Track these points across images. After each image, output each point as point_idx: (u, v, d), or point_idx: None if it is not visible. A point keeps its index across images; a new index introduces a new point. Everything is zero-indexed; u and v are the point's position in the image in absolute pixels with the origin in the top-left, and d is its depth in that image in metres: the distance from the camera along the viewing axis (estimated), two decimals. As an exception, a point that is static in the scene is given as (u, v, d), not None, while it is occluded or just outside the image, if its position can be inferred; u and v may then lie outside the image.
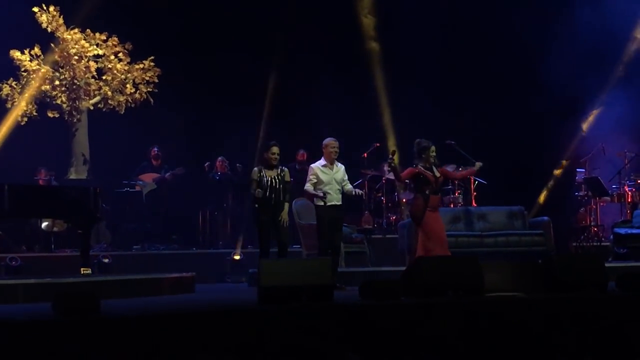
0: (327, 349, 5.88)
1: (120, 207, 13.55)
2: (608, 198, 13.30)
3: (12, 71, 13.74)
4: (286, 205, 9.11)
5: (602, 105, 14.65)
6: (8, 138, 13.27)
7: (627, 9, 14.35)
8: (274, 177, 9.02)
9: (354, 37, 14.98)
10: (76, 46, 13.87)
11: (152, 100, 14.28)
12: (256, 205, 8.93)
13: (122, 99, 14.17)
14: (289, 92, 14.66)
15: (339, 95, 14.31)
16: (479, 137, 13.82)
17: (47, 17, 13.70)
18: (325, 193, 9.11)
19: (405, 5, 14.63)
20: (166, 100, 14.39)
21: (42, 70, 13.74)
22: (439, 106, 14.49)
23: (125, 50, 14.20)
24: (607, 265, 7.88)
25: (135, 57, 14.27)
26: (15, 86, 13.71)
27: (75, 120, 14.10)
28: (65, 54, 13.87)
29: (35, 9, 13.64)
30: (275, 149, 9.08)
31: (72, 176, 14.04)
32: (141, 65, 14.25)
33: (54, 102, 13.96)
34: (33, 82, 13.65)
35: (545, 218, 11.95)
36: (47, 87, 13.87)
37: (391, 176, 13.16)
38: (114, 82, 14.15)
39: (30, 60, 13.74)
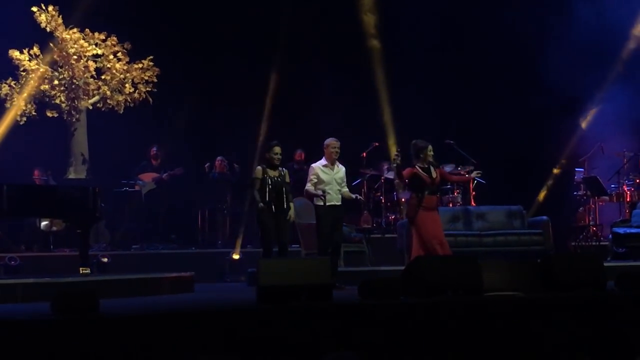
0: (326, 349, 5.87)
1: (120, 207, 13.55)
2: (607, 197, 13.30)
3: (11, 71, 13.74)
4: (291, 205, 9.15)
5: (601, 102, 14.64)
6: (7, 138, 13.25)
7: (626, 7, 14.35)
8: (277, 177, 9.04)
9: (355, 35, 14.96)
10: (75, 46, 13.86)
11: (151, 99, 14.28)
12: (260, 205, 8.92)
13: (121, 98, 14.17)
14: (288, 91, 14.66)
15: (338, 94, 14.33)
16: (478, 136, 13.84)
17: (46, 17, 13.69)
18: (324, 191, 9.13)
19: (404, 4, 14.63)
20: (165, 100, 14.40)
21: (41, 69, 13.74)
22: (438, 105, 14.50)
23: (124, 50, 14.20)
24: (605, 264, 7.89)
25: (134, 56, 14.27)
26: (14, 86, 13.70)
27: (74, 119, 14.10)
28: (64, 53, 13.86)
29: (34, 9, 13.63)
30: (277, 149, 9.10)
31: (71, 176, 14.03)
32: (140, 65, 14.25)
33: (53, 101, 13.95)
34: (31, 81, 13.64)
35: (544, 217, 11.95)
36: (46, 86, 13.86)
37: (390, 176, 13.20)
38: (113, 82, 14.15)
39: (30, 60, 13.74)
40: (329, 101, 14.25)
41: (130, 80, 14.19)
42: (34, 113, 13.80)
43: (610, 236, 12.18)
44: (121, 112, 14.20)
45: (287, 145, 11.70)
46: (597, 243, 12.70)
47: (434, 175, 9.12)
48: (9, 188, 9.41)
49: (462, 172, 12.18)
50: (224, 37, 14.72)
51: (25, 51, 13.74)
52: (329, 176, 9.27)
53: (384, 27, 15.09)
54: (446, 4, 14.86)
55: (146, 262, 11.94)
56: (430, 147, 9.16)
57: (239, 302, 7.67)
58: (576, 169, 13.78)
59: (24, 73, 13.72)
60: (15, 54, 13.67)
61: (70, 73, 13.95)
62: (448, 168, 12.21)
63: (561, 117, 14.69)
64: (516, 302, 6.76)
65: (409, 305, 6.54)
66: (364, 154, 13.58)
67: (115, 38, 14.16)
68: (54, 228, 12.70)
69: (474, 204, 13.07)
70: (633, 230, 11.83)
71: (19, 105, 13.55)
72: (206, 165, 13.85)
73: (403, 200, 13.25)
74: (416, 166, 9.08)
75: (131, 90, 14.18)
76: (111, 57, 14.15)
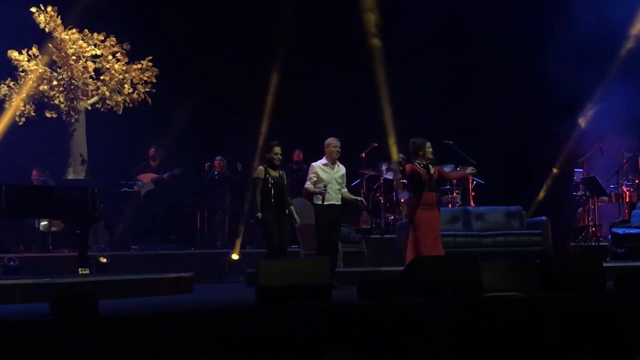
0: (326, 349, 5.87)
1: (119, 208, 13.55)
2: (606, 198, 13.32)
3: (10, 71, 13.73)
4: (292, 208, 9.16)
5: (600, 101, 14.63)
6: (6, 138, 13.25)
7: (625, 6, 14.35)
8: (277, 177, 9.05)
9: (355, 35, 14.98)
10: (74, 46, 13.86)
11: (150, 100, 14.28)
12: (259, 214, 8.92)
13: (120, 99, 14.18)
14: (288, 91, 14.66)
15: (337, 95, 14.33)
16: (477, 137, 13.84)
17: (45, 17, 13.69)
18: (326, 186, 9.13)
19: (404, 4, 14.64)
20: (164, 101, 14.40)
21: (40, 70, 13.73)
22: (437, 106, 14.51)
23: (123, 51, 14.21)
24: (605, 265, 7.88)
25: (133, 57, 14.27)
26: (13, 86, 13.70)
27: (73, 120, 14.10)
28: (63, 54, 13.86)
29: (33, 9, 13.63)
30: (277, 149, 9.10)
31: (70, 176, 14.04)
32: (139, 66, 14.25)
33: (51, 102, 13.95)
34: (29, 81, 13.63)
35: (544, 218, 11.96)
36: (45, 87, 13.86)
37: (389, 176, 13.22)
38: (112, 82, 14.15)
39: (28, 61, 13.73)
40: (328, 101, 14.25)
41: (129, 81, 14.20)
42: (32, 114, 13.80)
43: (610, 236, 12.18)
44: (120, 112, 14.21)
45: (286, 146, 11.72)
46: (596, 243, 12.72)
47: (432, 171, 9.15)
48: (7, 189, 9.41)
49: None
50: (223, 38, 14.71)
51: (24, 52, 13.74)
52: (328, 175, 9.27)
53: (384, 27, 15.10)
54: (446, 4, 14.87)
55: (145, 262, 11.96)
56: (428, 143, 9.19)
57: (238, 303, 7.67)
58: (575, 170, 13.80)
59: (23, 74, 13.72)
60: (14, 54, 13.67)
61: (69, 73, 13.95)
62: (447, 169, 12.22)
63: (560, 117, 14.70)
64: (515, 302, 6.76)
65: (408, 305, 6.53)
66: (363, 154, 13.59)
67: (114, 38, 14.17)
68: (53, 228, 12.71)
69: (473, 205, 13.08)
70: (632, 231, 11.83)
71: (17, 105, 13.54)
72: (206, 165, 13.85)
73: (402, 200, 13.25)
74: (415, 163, 9.12)
75: (130, 91, 14.19)
76: (110, 57, 14.15)
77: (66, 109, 14.02)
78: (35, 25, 13.71)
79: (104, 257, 11.68)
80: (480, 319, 6.45)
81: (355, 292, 6.80)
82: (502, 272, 7.25)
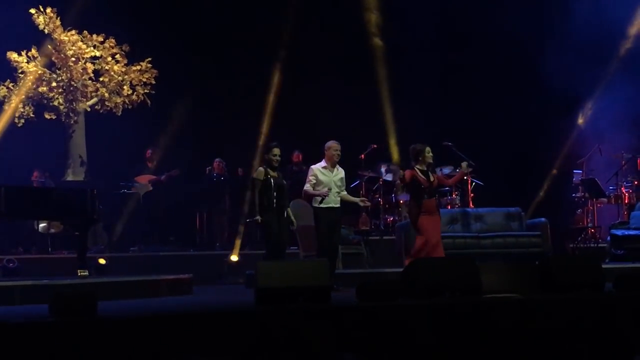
0: (325, 351, 5.88)
1: (118, 209, 13.55)
2: (605, 199, 13.33)
3: (9, 73, 13.73)
4: (289, 210, 9.18)
5: (599, 100, 14.63)
6: (5, 139, 13.25)
7: (624, 5, 14.36)
8: (277, 178, 9.06)
9: (355, 36, 15.00)
10: (73, 48, 13.86)
11: (149, 101, 14.28)
12: (258, 217, 8.93)
13: (119, 100, 14.18)
14: (288, 93, 14.68)
15: (337, 96, 14.33)
16: (476, 138, 13.85)
17: (44, 19, 13.69)
18: (330, 189, 9.13)
19: (402, 4, 14.65)
20: (163, 102, 14.40)
21: (39, 72, 13.73)
22: (436, 107, 14.51)
23: (123, 52, 14.21)
24: (604, 266, 7.89)
25: (132, 58, 14.27)
26: (12, 88, 13.69)
27: (72, 121, 14.10)
28: (62, 55, 13.86)
29: (33, 11, 13.63)
30: (276, 150, 9.10)
31: (69, 178, 14.03)
32: (138, 67, 14.25)
33: (51, 103, 13.95)
34: (28, 82, 13.62)
35: (543, 219, 11.97)
36: (44, 88, 13.86)
37: (388, 177, 13.22)
38: (111, 84, 14.15)
39: (27, 62, 13.73)
40: (328, 103, 14.26)
41: (128, 82, 14.20)
42: (32, 115, 13.80)
43: (609, 238, 12.19)
44: (119, 114, 14.21)
45: (285, 147, 11.74)
46: (595, 245, 12.72)
47: (432, 179, 9.15)
48: (7, 190, 9.41)
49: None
50: (223, 39, 14.72)
51: (23, 53, 13.73)
52: (328, 178, 9.27)
53: (385, 27, 15.12)
54: (444, 5, 14.88)
55: (144, 264, 11.95)
56: (428, 148, 9.18)
57: (237, 304, 7.67)
58: (574, 171, 13.80)
59: (22, 75, 13.72)
60: (13, 56, 13.66)
61: (69, 75, 13.95)
62: (447, 170, 12.25)
63: (560, 118, 14.71)
64: (514, 304, 6.76)
65: (407, 307, 6.53)
66: (362, 155, 13.59)
67: (113, 40, 14.17)
68: (52, 230, 12.70)
69: (472, 206, 13.08)
70: (631, 232, 11.85)
71: (16, 106, 13.52)
72: (207, 169, 13.85)
73: (402, 202, 13.26)
74: (415, 168, 9.11)
75: (129, 92, 14.19)
76: (109, 59, 14.15)
77: (65, 110, 14.02)
78: (35, 26, 13.71)
79: (103, 258, 11.68)
80: (479, 321, 6.45)
81: (355, 294, 6.80)
82: (501, 273, 7.26)
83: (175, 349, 5.71)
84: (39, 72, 13.77)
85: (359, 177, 13.42)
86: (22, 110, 13.68)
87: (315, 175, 9.26)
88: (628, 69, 14.33)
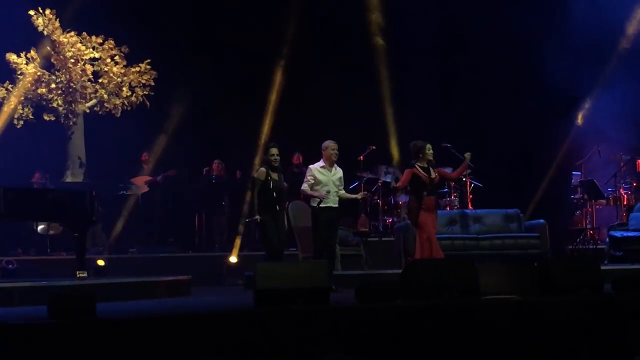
0: (323, 352, 5.88)
1: (117, 210, 13.54)
2: (604, 201, 13.33)
3: (8, 74, 13.73)
4: (283, 211, 9.21)
5: (598, 99, 14.63)
6: (4, 140, 13.25)
7: (622, 4, 14.37)
8: (277, 179, 9.07)
9: (355, 37, 15.01)
10: (72, 49, 13.85)
11: (148, 103, 14.28)
12: (257, 217, 8.93)
13: (118, 102, 14.17)
14: (288, 94, 14.68)
15: (337, 97, 14.33)
16: (475, 139, 13.83)
17: (43, 20, 13.68)
18: (329, 192, 9.14)
19: (401, 5, 14.66)
20: (163, 104, 14.39)
21: (38, 73, 13.72)
22: (435, 108, 14.52)
23: (122, 53, 14.20)
24: (602, 267, 7.90)
25: (131, 60, 14.27)
26: (11, 89, 13.69)
27: (71, 123, 14.09)
28: (61, 57, 13.85)
29: (32, 12, 13.63)
30: (274, 150, 9.13)
31: (69, 179, 14.02)
32: (137, 69, 14.24)
33: (50, 105, 13.94)
34: (27, 83, 13.61)
35: (541, 221, 11.97)
36: (43, 90, 13.86)
37: (387, 179, 13.22)
38: (110, 85, 14.14)
39: (27, 64, 13.73)
40: (328, 104, 14.26)
41: (127, 84, 14.19)
42: (31, 116, 13.79)
43: (607, 239, 12.20)
44: (118, 115, 14.20)
45: (286, 149, 11.75)
46: (594, 246, 12.73)
47: (432, 175, 9.17)
48: (5, 191, 9.41)
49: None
50: (222, 41, 14.72)
51: (22, 54, 13.73)
52: (326, 177, 9.28)
53: (386, 28, 15.12)
54: (444, 6, 14.89)
55: (143, 265, 11.94)
56: (428, 145, 9.22)
57: (236, 306, 7.67)
58: (573, 173, 13.81)
59: (21, 76, 13.71)
60: (12, 57, 13.66)
61: (68, 76, 13.94)
62: (446, 170, 12.24)
63: (559, 119, 14.72)
64: (513, 305, 6.76)
65: (406, 308, 6.54)
66: (361, 157, 13.59)
67: (112, 41, 14.16)
68: (51, 231, 12.69)
69: (471, 207, 13.09)
70: (630, 234, 11.86)
71: (12, 106, 13.51)
72: (204, 170, 13.85)
73: (401, 203, 13.27)
74: (415, 165, 9.13)
75: (128, 94, 14.18)
76: (108, 60, 14.14)
77: (64, 111, 14.01)
78: (34, 28, 13.70)
79: (102, 259, 11.68)
80: (478, 322, 6.46)
81: (353, 295, 6.81)
82: (499, 275, 7.26)
83: (174, 351, 5.71)
84: (38, 73, 13.77)
85: (357, 178, 13.42)
86: (21, 111, 13.67)
87: (314, 175, 9.27)
88: (627, 69, 14.31)
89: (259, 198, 8.99)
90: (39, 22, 13.68)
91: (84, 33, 14.03)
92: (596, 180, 13.12)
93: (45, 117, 13.95)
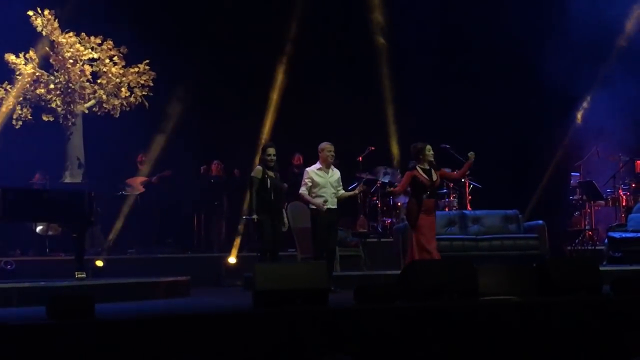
0: (322, 353, 5.87)
1: (115, 211, 13.52)
2: (603, 202, 13.34)
3: (6, 74, 13.72)
4: (284, 211, 9.19)
5: (597, 99, 14.62)
6: (2, 141, 13.23)
7: (622, 3, 14.37)
8: (274, 178, 9.06)
9: (356, 38, 15.01)
10: (71, 50, 13.84)
11: (147, 103, 14.27)
12: (255, 216, 8.93)
13: (117, 102, 14.15)
14: (288, 95, 14.69)
15: (337, 98, 14.33)
16: (474, 140, 13.82)
17: (42, 21, 13.68)
18: (326, 201, 9.15)
19: (400, 6, 14.66)
20: (161, 104, 14.39)
21: (37, 73, 13.71)
22: (434, 109, 14.52)
23: (120, 54, 14.18)
24: (601, 269, 7.90)
25: (130, 60, 14.26)
26: (9, 89, 13.68)
27: (70, 123, 14.08)
28: (60, 57, 13.84)
29: (30, 13, 13.62)
30: (270, 150, 9.13)
31: (67, 180, 14.01)
32: (136, 69, 14.23)
33: (48, 105, 13.93)
34: (25, 84, 13.60)
35: (540, 222, 11.98)
36: (42, 90, 13.84)
37: (387, 179, 13.21)
38: (109, 86, 14.13)
39: (25, 64, 13.72)
40: (328, 105, 14.26)
41: (126, 84, 14.17)
42: (29, 117, 13.78)
43: (606, 240, 12.20)
44: (117, 116, 14.19)
45: (286, 149, 11.75)
46: (593, 247, 12.72)
47: (434, 177, 9.15)
48: (4, 192, 9.40)
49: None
50: (222, 42, 14.71)
51: (21, 55, 13.72)
52: (323, 179, 9.28)
53: (387, 28, 15.12)
54: (442, 7, 14.89)
55: (142, 266, 11.91)
56: (428, 146, 9.20)
57: (235, 307, 7.67)
58: (572, 174, 13.82)
59: (20, 77, 13.70)
60: (11, 57, 13.65)
61: (66, 77, 13.92)
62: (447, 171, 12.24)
63: (558, 119, 14.72)
64: (512, 306, 6.76)
65: (405, 309, 6.54)
66: (360, 157, 13.58)
67: (111, 42, 14.14)
68: (50, 232, 12.67)
69: (469, 208, 13.09)
70: (629, 235, 11.87)
71: (9, 104, 13.49)
72: (202, 168, 13.84)
73: (400, 204, 13.26)
74: (416, 167, 9.12)
75: (127, 94, 14.16)
76: (107, 61, 14.13)
77: (63, 112, 13.99)
78: (33, 28, 13.69)
79: (101, 260, 11.67)
80: (476, 323, 6.46)
81: (352, 296, 6.81)
82: (498, 276, 7.27)
83: (173, 351, 5.71)
84: (37, 74, 13.76)
85: (356, 179, 13.41)
86: (20, 112, 13.66)
87: (311, 178, 9.27)
88: (626, 67, 14.30)
89: (256, 197, 8.99)
90: (38, 22, 13.66)
91: (82, 33, 14.01)
92: (595, 181, 13.12)
93: (44, 118, 13.94)
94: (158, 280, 9.60)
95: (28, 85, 13.69)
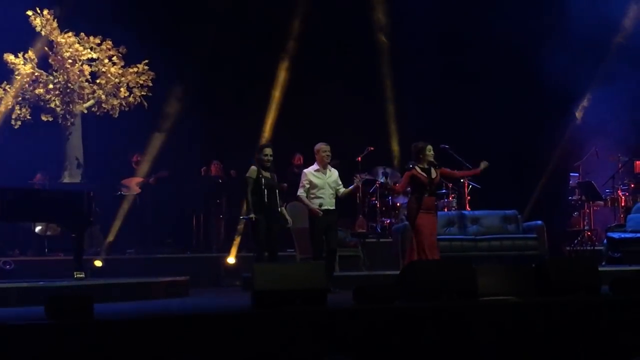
0: (321, 353, 5.87)
1: (114, 211, 13.51)
2: (601, 202, 13.35)
3: (5, 74, 13.71)
4: (283, 209, 9.18)
5: (596, 98, 14.62)
6: (1, 141, 13.22)
7: (621, 2, 14.38)
8: (269, 178, 9.05)
9: (355, 39, 15.00)
10: (70, 50, 13.83)
11: (146, 104, 14.26)
12: (252, 216, 8.92)
13: (116, 102, 14.14)
14: (289, 96, 14.68)
15: (337, 98, 14.33)
16: (473, 140, 13.84)
17: (41, 21, 13.67)
18: (321, 205, 9.15)
19: (400, 6, 14.65)
20: (160, 104, 14.38)
21: (36, 73, 13.70)
22: (433, 109, 14.52)
23: (120, 54, 14.17)
24: (600, 269, 7.90)
25: (129, 60, 14.25)
26: (8, 89, 13.67)
27: (69, 124, 14.06)
28: (59, 57, 13.84)
29: (29, 12, 13.61)
30: (267, 150, 9.11)
31: (66, 180, 14.00)
32: (135, 69, 14.22)
33: (47, 105, 13.91)
34: (23, 83, 13.59)
35: (539, 222, 11.98)
36: (41, 90, 13.83)
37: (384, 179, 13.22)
38: (108, 86, 14.11)
39: (24, 64, 13.71)
40: (329, 106, 14.26)
41: (125, 84, 14.16)
42: (28, 117, 13.77)
43: (605, 241, 12.21)
44: (116, 116, 14.17)
45: (286, 149, 11.76)
46: (592, 248, 12.73)
47: (433, 175, 9.16)
48: (3, 192, 9.40)
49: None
50: (221, 42, 14.70)
51: (19, 55, 13.71)
52: (321, 180, 9.28)
53: (388, 28, 15.11)
54: (441, 7, 14.90)
55: (141, 266, 11.91)
56: (429, 146, 9.22)
57: (234, 307, 7.67)
58: (571, 174, 13.82)
59: (19, 77, 13.70)
60: (10, 57, 13.64)
61: (65, 77, 13.90)
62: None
63: (557, 119, 14.72)
64: (511, 306, 6.77)
65: (404, 309, 6.54)
66: (359, 158, 13.57)
67: (110, 42, 14.12)
68: (49, 232, 12.67)
69: (468, 209, 13.09)
70: (628, 235, 11.87)
71: (8, 104, 13.48)
72: (202, 170, 13.83)
73: (399, 204, 13.26)
74: (415, 167, 9.12)
75: (126, 95, 14.14)
76: (106, 61, 14.11)
77: (62, 112, 13.97)
78: (32, 28, 13.68)
79: (100, 260, 11.67)
80: (475, 323, 6.46)
81: (351, 297, 6.81)
82: (497, 276, 7.27)
83: (172, 352, 5.71)
84: (36, 73, 13.75)
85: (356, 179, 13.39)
86: (18, 112, 13.64)
87: (309, 179, 9.27)
88: (626, 65, 14.30)
89: (251, 197, 8.98)
90: (37, 22, 13.64)
91: (81, 33, 13.99)
92: (594, 182, 13.13)
93: (43, 118, 13.92)
94: (157, 281, 9.60)
95: (27, 85, 13.68)
